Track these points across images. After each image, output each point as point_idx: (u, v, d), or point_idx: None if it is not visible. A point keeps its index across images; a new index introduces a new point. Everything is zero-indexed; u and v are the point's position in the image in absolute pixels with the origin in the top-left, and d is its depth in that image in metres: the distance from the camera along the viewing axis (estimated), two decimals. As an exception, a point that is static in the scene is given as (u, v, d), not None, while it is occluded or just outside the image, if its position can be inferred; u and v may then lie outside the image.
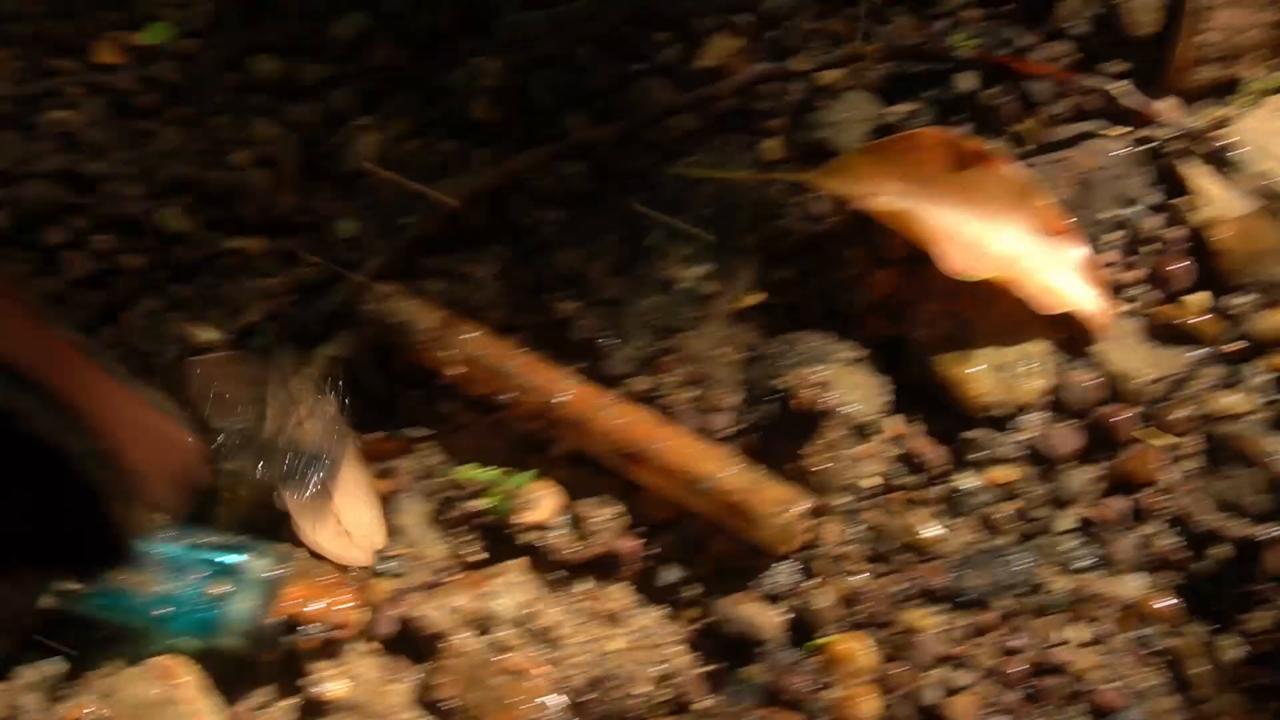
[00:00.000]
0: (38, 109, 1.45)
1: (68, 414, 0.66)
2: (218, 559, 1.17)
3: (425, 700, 1.19)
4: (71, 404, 0.66)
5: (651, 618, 1.22)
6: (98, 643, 1.17)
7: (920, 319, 1.23)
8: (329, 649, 1.20)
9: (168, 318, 1.38)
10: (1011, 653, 1.15)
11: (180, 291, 1.39)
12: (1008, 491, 1.20)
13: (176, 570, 1.16)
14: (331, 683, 1.18)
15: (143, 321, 1.38)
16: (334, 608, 1.19)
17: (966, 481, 1.20)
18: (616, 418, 1.22)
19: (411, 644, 1.21)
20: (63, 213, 1.40)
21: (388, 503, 1.28)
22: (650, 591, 1.23)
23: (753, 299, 1.29)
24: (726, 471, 1.18)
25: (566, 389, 1.23)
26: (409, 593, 1.23)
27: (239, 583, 1.16)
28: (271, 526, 1.26)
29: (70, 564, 0.77)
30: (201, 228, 1.41)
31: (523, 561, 1.23)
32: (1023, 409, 1.21)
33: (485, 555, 1.25)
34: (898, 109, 1.34)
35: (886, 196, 1.24)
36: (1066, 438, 1.20)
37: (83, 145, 1.43)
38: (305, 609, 1.18)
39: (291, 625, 1.18)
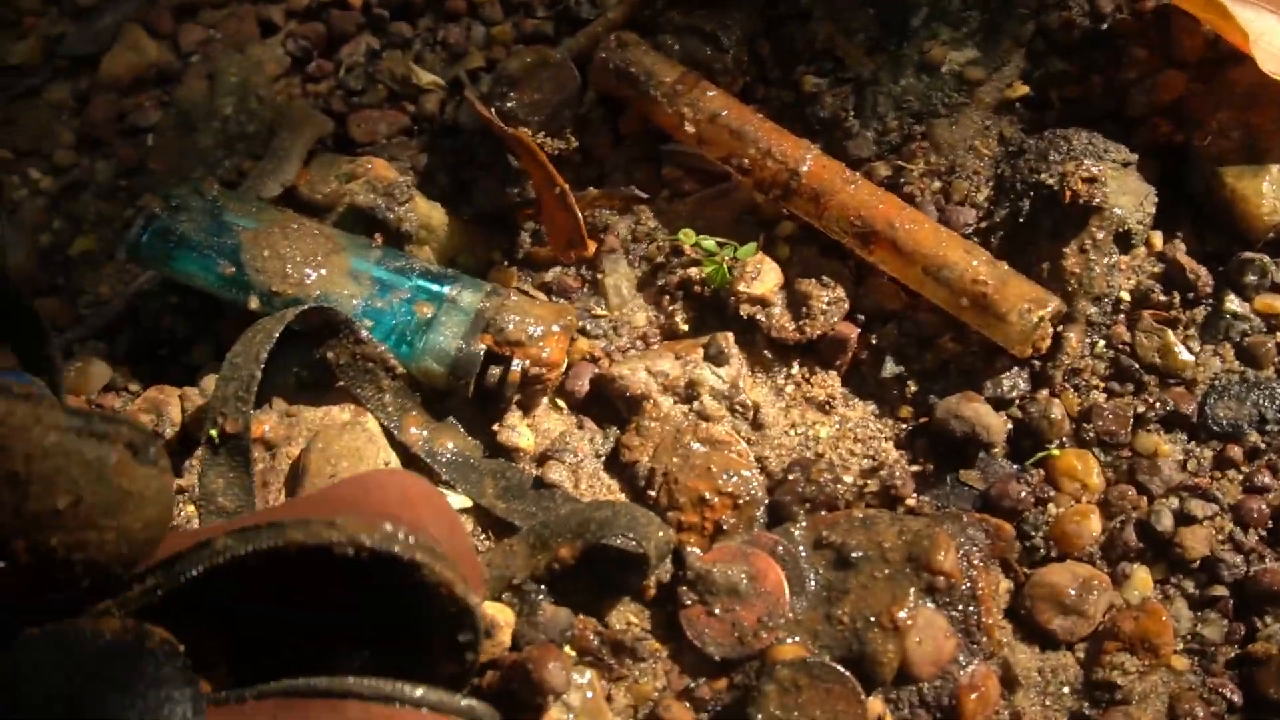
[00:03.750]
0: None
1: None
2: (426, 285, 1.22)
3: (617, 460, 1.22)
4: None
5: (863, 410, 1.24)
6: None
7: (1210, 127, 1.22)
8: (523, 400, 1.24)
9: (385, 56, 1.44)
10: (1257, 491, 1.15)
11: (402, 30, 1.45)
12: (1277, 323, 1.20)
13: (384, 289, 1.21)
14: (521, 432, 1.22)
15: (360, 59, 1.44)
16: (540, 349, 1.21)
17: (1232, 306, 1.20)
18: (860, 194, 1.22)
19: (608, 404, 1.25)
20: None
21: (598, 262, 1.31)
22: (865, 383, 1.25)
23: (1021, 90, 1.29)
24: (973, 262, 1.18)
25: (809, 158, 1.24)
26: (611, 353, 1.27)
27: (444, 309, 1.20)
28: (484, 267, 1.33)
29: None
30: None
31: (733, 335, 1.26)
32: (1313, 234, 1.19)
33: (693, 325, 1.28)
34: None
35: (1202, -11, 1.21)
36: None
37: None
38: (508, 346, 1.20)
39: (493, 360, 1.21)
